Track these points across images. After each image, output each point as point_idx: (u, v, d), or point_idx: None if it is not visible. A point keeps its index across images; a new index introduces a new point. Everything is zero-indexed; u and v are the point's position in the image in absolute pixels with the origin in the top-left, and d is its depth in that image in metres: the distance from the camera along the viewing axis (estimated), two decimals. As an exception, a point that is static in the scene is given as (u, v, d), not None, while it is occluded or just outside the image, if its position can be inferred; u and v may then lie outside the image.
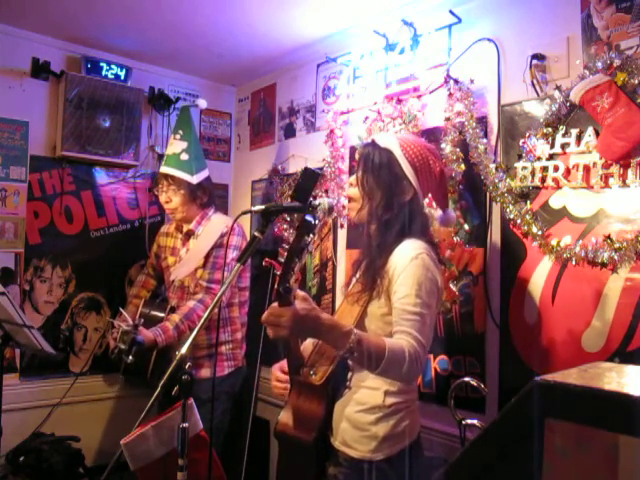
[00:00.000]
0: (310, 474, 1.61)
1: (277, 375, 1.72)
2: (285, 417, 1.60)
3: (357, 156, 1.74)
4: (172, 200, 2.62)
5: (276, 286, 1.28)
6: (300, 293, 1.33)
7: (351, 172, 1.84)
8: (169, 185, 2.61)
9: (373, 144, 1.69)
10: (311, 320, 1.31)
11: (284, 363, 1.73)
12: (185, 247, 2.68)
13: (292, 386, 1.64)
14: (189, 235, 2.68)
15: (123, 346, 2.30)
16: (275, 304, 1.30)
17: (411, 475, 1.55)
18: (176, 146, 2.68)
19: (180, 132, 2.73)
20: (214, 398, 2.51)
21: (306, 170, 1.30)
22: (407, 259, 1.51)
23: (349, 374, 1.63)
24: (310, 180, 1.29)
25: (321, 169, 2.85)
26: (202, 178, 2.67)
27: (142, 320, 2.39)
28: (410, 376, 1.44)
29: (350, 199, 1.73)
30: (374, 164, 1.63)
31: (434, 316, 1.53)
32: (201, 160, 2.74)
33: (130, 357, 2.29)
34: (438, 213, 1.78)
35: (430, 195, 1.75)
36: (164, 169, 2.64)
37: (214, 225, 2.65)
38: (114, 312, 3.20)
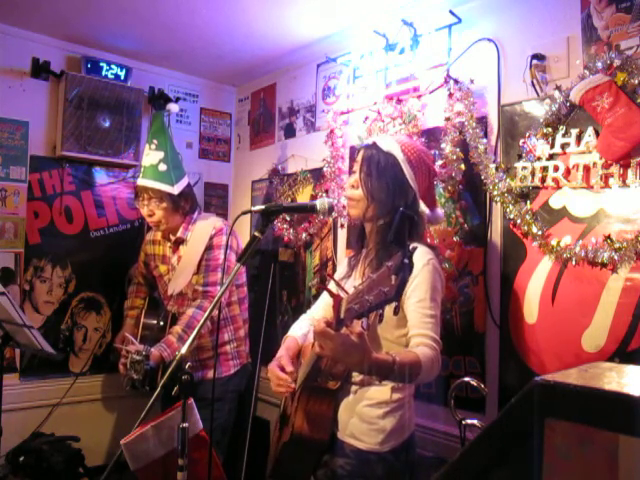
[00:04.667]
0: (311, 467, 1.69)
1: (279, 375, 1.70)
2: (299, 421, 1.63)
3: (358, 157, 1.76)
4: (155, 213, 2.55)
5: (342, 315, 1.27)
6: (356, 328, 1.33)
7: (351, 172, 1.86)
8: (150, 198, 2.54)
9: (375, 147, 1.73)
10: (358, 354, 1.32)
11: (280, 360, 1.74)
12: (176, 255, 2.64)
13: (302, 390, 1.66)
14: (178, 243, 2.63)
15: (136, 376, 2.31)
16: (326, 327, 1.31)
17: (412, 465, 1.68)
18: (153, 156, 2.58)
19: (155, 141, 2.62)
20: (220, 398, 2.53)
21: (402, 213, 1.30)
22: (419, 265, 1.59)
23: (353, 372, 1.66)
24: (406, 222, 1.29)
25: (321, 169, 2.86)
26: (183, 187, 2.60)
27: (148, 347, 2.36)
28: (435, 376, 1.54)
29: (352, 200, 1.75)
30: (378, 167, 1.69)
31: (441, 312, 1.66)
32: (180, 168, 2.66)
33: (146, 387, 2.32)
34: (427, 212, 1.80)
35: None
36: (143, 181, 2.55)
37: (201, 229, 2.60)
38: (114, 312, 3.20)
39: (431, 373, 1.49)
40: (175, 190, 2.55)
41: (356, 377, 1.67)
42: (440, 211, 1.90)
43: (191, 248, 2.59)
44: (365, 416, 1.63)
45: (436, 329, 1.56)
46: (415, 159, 1.72)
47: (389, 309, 1.57)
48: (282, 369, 1.71)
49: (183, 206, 2.61)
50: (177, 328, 2.43)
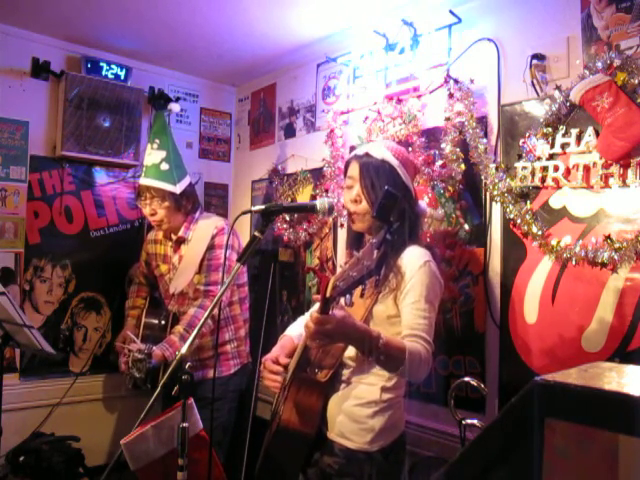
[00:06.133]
0: (299, 461, 1.70)
1: (272, 367, 1.72)
2: (286, 412, 1.63)
3: (354, 172, 1.74)
4: (157, 212, 2.56)
5: (328, 294, 1.32)
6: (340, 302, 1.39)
7: (346, 186, 1.85)
8: (152, 197, 2.55)
9: (369, 156, 1.72)
10: (349, 327, 1.40)
11: (275, 354, 1.76)
12: (177, 254, 2.65)
13: (292, 382, 1.66)
14: (180, 242, 2.64)
15: (138, 374, 2.31)
16: (315, 311, 1.38)
17: (401, 465, 1.69)
18: (155, 156, 2.59)
19: (157, 141, 2.63)
20: (220, 397, 2.53)
21: (387, 191, 1.35)
22: (416, 266, 1.60)
23: (343, 370, 1.68)
24: (391, 200, 1.34)
25: (321, 169, 2.86)
26: (185, 186, 2.61)
27: (150, 346, 2.37)
28: (422, 375, 1.55)
29: (357, 215, 1.73)
30: (379, 177, 1.68)
31: (436, 313, 1.66)
32: (182, 168, 2.67)
33: (148, 385, 2.33)
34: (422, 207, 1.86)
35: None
36: (145, 181, 2.56)
37: (203, 228, 2.61)
38: (114, 312, 3.20)
39: (418, 370, 1.49)
40: (177, 189, 2.56)
41: (345, 373, 1.67)
42: (423, 204, 1.90)
43: (193, 247, 2.60)
44: (354, 415, 1.63)
45: (429, 331, 1.56)
46: (405, 161, 1.75)
47: (381, 306, 1.62)
48: (276, 362, 1.73)
49: (185, 205, 2.62)
50: (179, 327, 2.44)
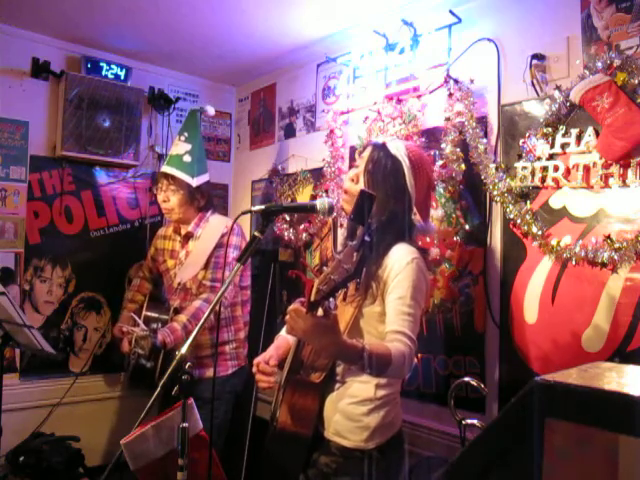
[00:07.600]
0: (299, 463, 1.69)
1: (263, 367, 1.70)
2: (283, 415, 1.64)
3: (365, 154, 1.75)
4: (170, 200, 2.61)
5: (312, 298, 1.32)
6: (332, 312, 1.38)
7: (353, 166, 1.85)
8: (169, 185, 2.61)
9: (384, 148, 1.72)
10: (328, 336, 1.38)
11: (266, 355, 1.75)
12: (184, 249, 2.67)
13: (286, 385, 1.66)
14: (188, 237, 2.67)
15: (141, 351, 2.31)
16: (301, 306, 1.37)
17: (399, 462, 1.68)
18: (180, 147, 2.68)
19: (186, 134, 2.72)
20: (216, 398, 2.52)
21: (362, 192, 1.36)
22: (403, 263, 1.59)
23: (337, 368, 1.67)
24: (366, 202, 1.35)
25: (321, 169, 2.86)
26: (202, 182, 2.67)
27: (153, 327, 2.38)
28: (405, 373, 1.55)
29: (348, 194, 1.74)
30: (384, 169, 1.68)
31: (422, 312, 1.66)
32: (203, 164, 2.74)
33: (151, 362, 2.33)
34: (419, 222, 1.81)
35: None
36: (166, 168, 2.64)
37: (213, 226, 2.64)
38: (114, 312, 3.20)
39: (402, 369, 1.49)
40: (194, 182, 2.61)
41: (340, 372, 1.67)
42: (432, 224, 1.90)
43: (202, 244, 2.62)
44: (349, 413, 1.63)
45: (413, 327, 1.55)
46: (419, 168, 1.72)
47: (371, 305, 1.61)
48: (266, 363, 1.72)
49: (198, 200, 2.66)
50: (182, 317, 2.45)
